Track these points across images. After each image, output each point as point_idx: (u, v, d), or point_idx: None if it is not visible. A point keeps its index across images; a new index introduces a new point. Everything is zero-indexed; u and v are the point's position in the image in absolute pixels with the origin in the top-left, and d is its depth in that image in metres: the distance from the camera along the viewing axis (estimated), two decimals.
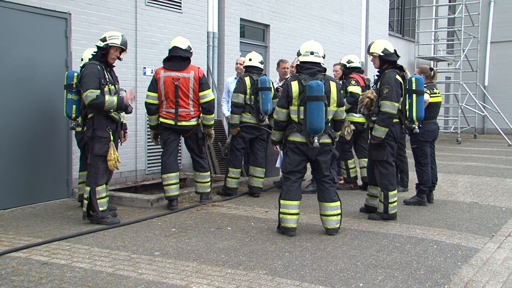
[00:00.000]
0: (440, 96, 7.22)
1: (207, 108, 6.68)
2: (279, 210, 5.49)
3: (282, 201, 5.46)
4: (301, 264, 4.49)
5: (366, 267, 4.46)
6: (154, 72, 6.96)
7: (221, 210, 6.68)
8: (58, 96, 7.00)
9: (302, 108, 5.36)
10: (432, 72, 7.22)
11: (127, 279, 4.10)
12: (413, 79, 6.19)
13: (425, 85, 7.04)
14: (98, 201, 5.72)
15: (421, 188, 7.09)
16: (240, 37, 10.31)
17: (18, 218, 6.07)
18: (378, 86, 6.15)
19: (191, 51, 6.67)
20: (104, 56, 5.76)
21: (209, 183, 7.06)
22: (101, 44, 5.74)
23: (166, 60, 6.65)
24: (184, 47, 6.56)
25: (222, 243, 5.13)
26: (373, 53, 6.21)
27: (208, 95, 6.64)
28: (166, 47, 8.26)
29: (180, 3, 8.86)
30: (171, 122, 6.58)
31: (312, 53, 5.58)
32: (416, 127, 6.38)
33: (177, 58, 6.54)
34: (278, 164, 6.24)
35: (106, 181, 5.87)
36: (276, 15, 11.20)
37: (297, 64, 5.76)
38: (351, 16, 14.27)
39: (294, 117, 5.44)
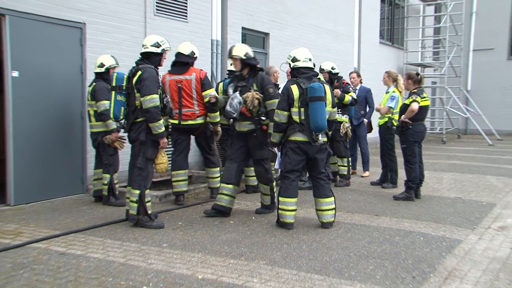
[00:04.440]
0: (428, 99, 7.22)
1: (210, 106, 6.59)
2: (278, 206, 5.49)
3: (281, 198, 5.45)
4: (298, 255, 4.50)
5: (358, 257, 4.47)
6: (161, 77, 6.96)
7: None
8: (74, 99, 7.05)
9: (302, 109, 5.35)
10: (419, 77, 7.21)
11: (137, 268, 4.11)
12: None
13: (414, 90, 7.08)
14: (147, 204, 5.42)
15: (409, 184, 7.10)
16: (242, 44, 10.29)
17: (38, 212, 6.10)
18: (255, 87, 5.83)
19: (194, 56, 6.64)
20: (160, 61, 5.53)
21: (219, 178, 6.98)
22: (158, 49, 5.46)
23: (172, 65, 6.66)
24: (186, 52, 6.56)
25: (225, 236, 5.13)
26: (236, 56, 5.87)
27: (210, 94, 6.57)
28: (174, 54, 8.28)
29: (186, 13, 8.87)
30: (176, 122, 6.59)
31: (310, 59, 5.59)
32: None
33: (180, 63, 6.55)
34: (277, 166, 6.09)
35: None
36: (275, 24, 11.20)
37: (293, 68, 5.65)
38: (344, 25, 14.25)
39: (296, 118, 5.40)
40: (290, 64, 5.68)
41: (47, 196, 6.76)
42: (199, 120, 6.66)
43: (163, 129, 5.37)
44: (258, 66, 6.00)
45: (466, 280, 3.99)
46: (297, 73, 5.54)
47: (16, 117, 6.40)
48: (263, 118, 5.84)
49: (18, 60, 6.36)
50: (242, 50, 5.88)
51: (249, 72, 5.93)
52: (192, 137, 6.95)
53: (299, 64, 5.56)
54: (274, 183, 6.18)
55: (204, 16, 9.26)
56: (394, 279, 3.94)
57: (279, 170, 5.82)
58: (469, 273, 4.17)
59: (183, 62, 6.55)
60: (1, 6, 6.16)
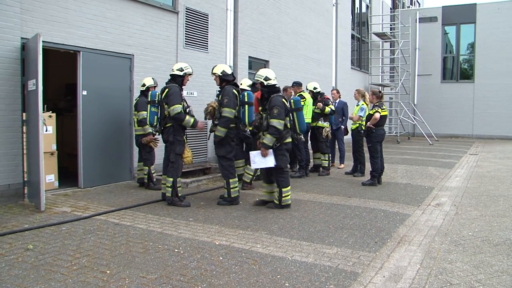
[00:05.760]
0: (387, 110, 7.18)
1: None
2: (282, 195, 5.21)
3: (283, 189, 5.20)
4: (290, 227, 4.47)
5: (336, 228, 4.44)
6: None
7: None
8: (124, 110, 7.02)
9: (287, 117, 5.22)
10: (380, 94, 7.18)
11: (170, 236, 4.10)
12: (246, 93, 5.32)
13: (376, 103, 7.05)
14: (178, 189, 5.38)
15: (373, 174, 7.05)
16: (248, 69, 10.22)
17: (99, 193, 6.09)
18: (219, 98, 5.44)
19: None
20: (182, 81, 5.42)
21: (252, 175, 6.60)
22: (181, 73, 5.38)
23: (250, 86, 6.43)
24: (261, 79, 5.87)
25: (236, 212, 5.11)
26: (215, 73, 5.46)
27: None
28: (198, 77, 8.28)
29: (207, 46, 8.83)
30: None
31: (276, 78, 5.30)
32: (248, 131, 6.09)
33: (254, 85, 6.03)
34: (253, 166, 5.25)
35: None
36: (273, 54, 11.14)
37: (269, 85, 5.23)
38: (325, 55, 14.18)
39: (288, 124, 5.24)
40: (263, 82, 5.24)
41: (105, 182, 6.74)
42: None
43: (192, 121, 5.28)
44: (233, 81, 5.48)
45: (413, 243, 3.99)
46: (273, 89, 5.22)
47: (85, 124, 6.40)
48: (216, 122, 5.36)
49: (87, 83, 6.38)
50: (219, 69, 5.46)
51: (224, 86, 5.44)
52: None
53: (271, 82, 5.24)
54: (237, 182, 5.50)
55: (221, 48, 9.22)
56: (362, 244, 3.92)
57: (276, 167, 5.17)
58: (415, 238, 4.17)
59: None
60: (77, 45, 6.23)
